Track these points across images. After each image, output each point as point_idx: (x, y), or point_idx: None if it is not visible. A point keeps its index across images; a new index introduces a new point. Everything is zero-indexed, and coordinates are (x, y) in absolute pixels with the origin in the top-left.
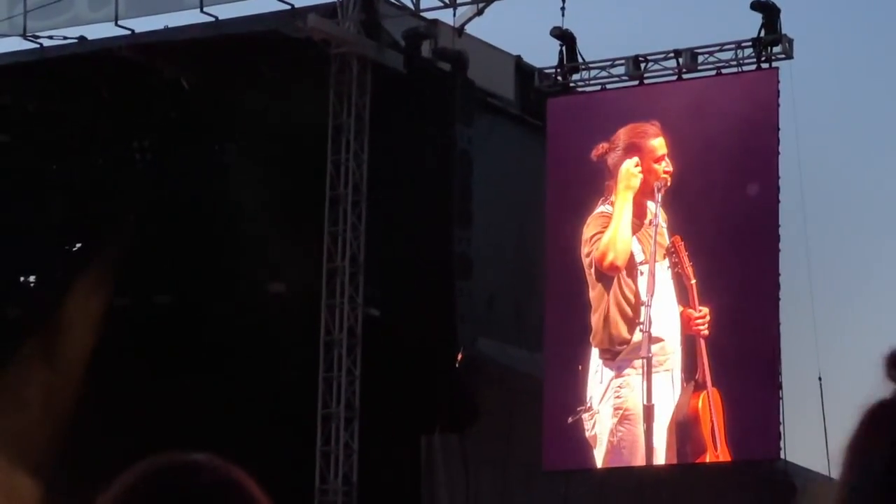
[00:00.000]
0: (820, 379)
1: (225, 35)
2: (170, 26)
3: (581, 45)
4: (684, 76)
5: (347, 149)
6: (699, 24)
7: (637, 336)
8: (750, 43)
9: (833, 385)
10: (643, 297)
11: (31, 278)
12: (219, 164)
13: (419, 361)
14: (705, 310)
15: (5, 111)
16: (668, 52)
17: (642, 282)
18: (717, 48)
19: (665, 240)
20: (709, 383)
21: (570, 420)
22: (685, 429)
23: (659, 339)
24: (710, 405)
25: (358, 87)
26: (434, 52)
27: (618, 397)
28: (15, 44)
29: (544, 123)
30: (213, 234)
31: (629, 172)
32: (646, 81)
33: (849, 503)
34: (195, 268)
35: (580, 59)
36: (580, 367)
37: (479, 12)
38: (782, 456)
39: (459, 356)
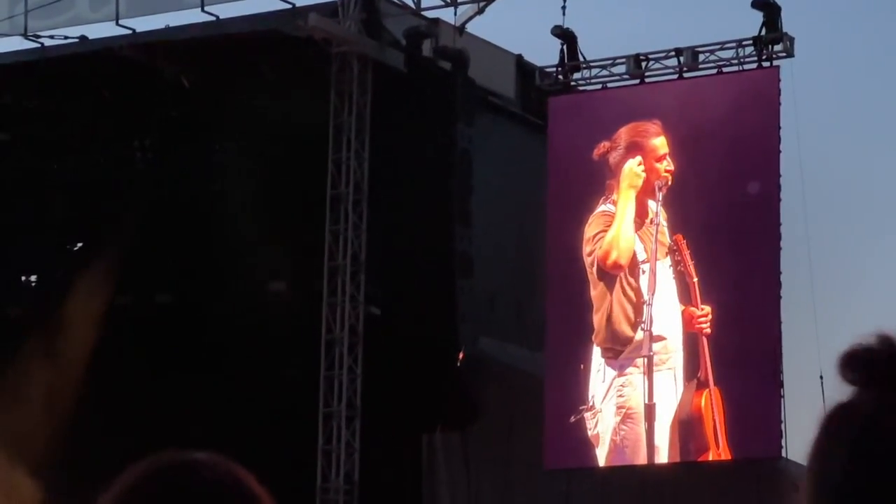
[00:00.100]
0: (821, 377)
1: (226, 34)
2: (170, 26)
3: (582, 44)
4: (685, 75)
5: (348, 148)
6: (700, 22)
7: (639, 335)
8: (751, 41)
9: (834, 384)
10: (645, 296)
11: (32, 278)
12: (220, 163)
13: (420, 360)
14: (707, 308)
15: (6, 110)
16: (669, 51)
17: (644, 280)
18: (717, 47)
19: (666, 238)
20: (711, 381)
21: (571, 419)
22: (688, 427)
23: (661, 338)
24: (712, 403)
25: (359, 86)
26: (435, 50)
27: (620, 396)
28: (16, 43)
29: (545, 122)
30: (214, 233)
31: (632, 171)
32: (647, 80)
33: None
34: (196, 266)
35: (581, 58)
36: (582, 366)
37: (480, 11)
38: (784, 454)
39: (461, 355)
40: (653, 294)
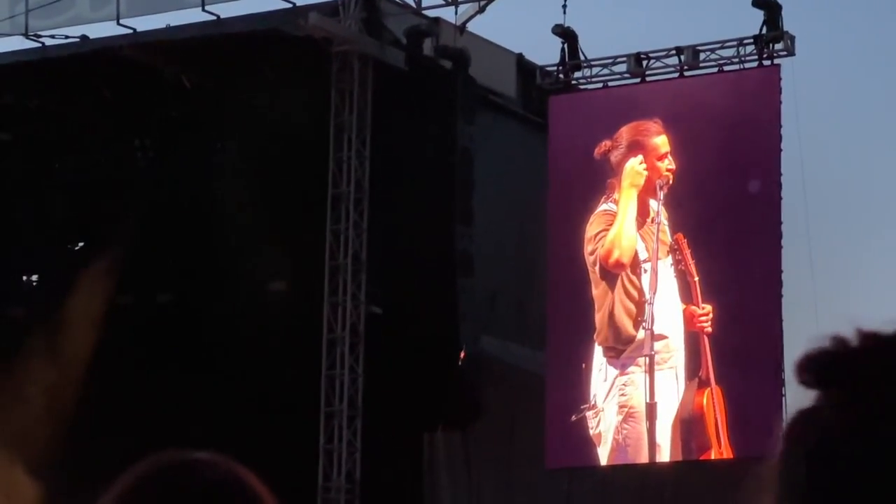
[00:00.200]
0: None
1: (226, 34)
2: (171, 25)
3: (583, 43)
4: (686, 73)
5: (349, 147)
6: (701, 21)
7: (641, 334)
8: (752, 40)
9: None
10: (646, 295)
11: (34, 277)
12: (220, 163)
13: (422, 359)
14: (708, 307)
15: (7, 110)
16: (670, 50)
17: (646, 279)
18: (718, 45)
19: (667, 237)
20: (712, 380)
21: (573, 418)
22: (689, 426)
23: (662, 337)
24: (713, 402)
25: (359, 85)
26: (436, 49)
27: (622, 395)
28: (16, 43)
29: (546, 121)
30: (215, 233)
31: (634, 170)
32: (648, 79)
33: None
34: (197, 266)
35: (582, 57)
36: (583, 365)
37: (481, 10)
38: None
39: (462, 354)
40: (654, 293)
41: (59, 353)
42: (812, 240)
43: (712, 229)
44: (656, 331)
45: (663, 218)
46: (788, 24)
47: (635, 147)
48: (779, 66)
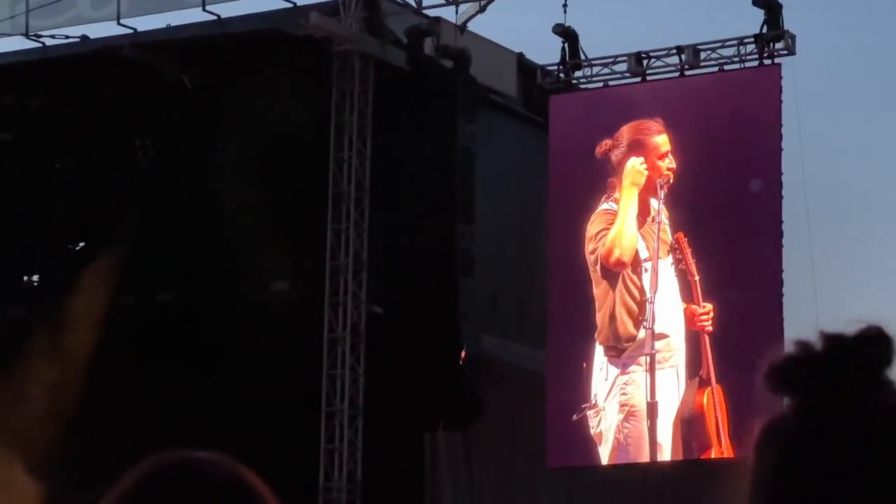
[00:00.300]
0: None
1: (227, 34)
2: (172, 25)
3: (583, 42)
4: (687, 73)
5: (350, 146)
6: (701, 20)
7: (641, 333)
8: (752, 39)
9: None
10: (647, 294)
11: (34, 277)
12: (221, 163)
13: (423, 359)
14: (709, 306)
15: (8, 110)
16: (671, 49)
17: (646, 278)
18: (719, 44)
19: (668, 237)
20: (713, 379)
21: (574, 417)
22: (690, 425)
23: (663, 336)
24: (714, 401)
25: (360, 84)
26: (436, 49)
27: (623, 394)
28: (17, 43)
29: (547, 120)
30: (216, 233)
31: (635, 170)
32: (648, 78)
33: None
34: (198, 266)
35: (582, 56)
36: (584, 365)
37: (482, 9)
38: None
39: (463, 353)
40: (655, 292)
41: (60, 353)
42: (813, 239)
43: (713, 228)
44: (657, 330)
45: (664, 217)
46: (789, 24)
47: (636, 146)
48: (779, 65)
